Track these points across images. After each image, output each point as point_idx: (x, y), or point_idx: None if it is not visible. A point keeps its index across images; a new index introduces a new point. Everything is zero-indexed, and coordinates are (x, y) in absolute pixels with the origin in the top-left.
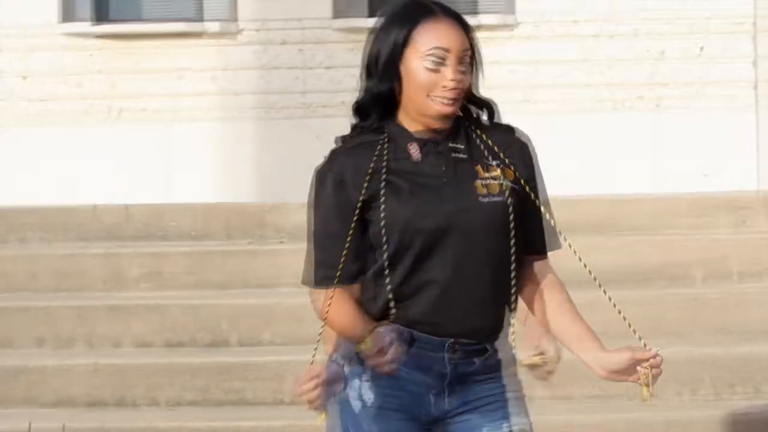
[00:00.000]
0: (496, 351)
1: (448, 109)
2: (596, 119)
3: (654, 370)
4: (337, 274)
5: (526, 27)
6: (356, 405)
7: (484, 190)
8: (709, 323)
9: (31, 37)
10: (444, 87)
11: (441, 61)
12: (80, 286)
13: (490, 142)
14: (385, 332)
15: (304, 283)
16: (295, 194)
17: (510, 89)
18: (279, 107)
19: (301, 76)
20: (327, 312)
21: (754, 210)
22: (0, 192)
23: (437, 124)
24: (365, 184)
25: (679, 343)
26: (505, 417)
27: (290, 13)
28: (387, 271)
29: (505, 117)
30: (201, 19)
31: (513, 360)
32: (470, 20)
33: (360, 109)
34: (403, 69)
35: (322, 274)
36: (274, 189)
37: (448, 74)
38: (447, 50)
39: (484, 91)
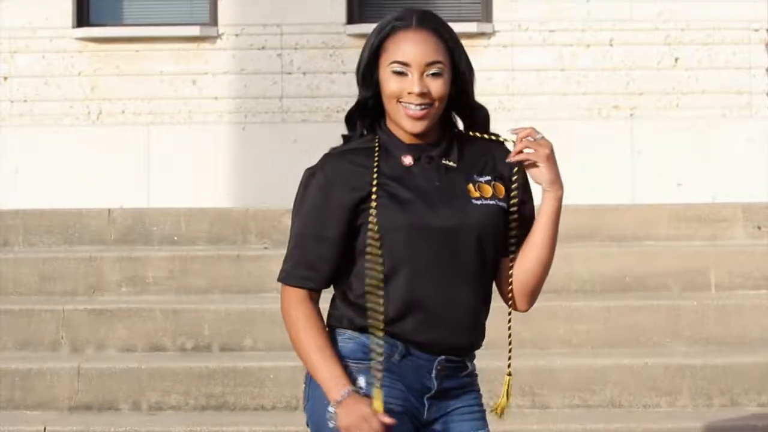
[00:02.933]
0: (473, 366)
1: (417, 113)
2: (573, 127)
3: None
4: (313, 276)
5: (503, 35)
6: None
7: (477, 193)
8: (688, 334)
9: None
10: (410, 93)
11: (403, 73)
12: (63, 290)
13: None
14: (356, 406)
15: (279, 280)
16: (272, 198)
17: (487, 96)
18: (257, 111)
19: (279, 80)
20: (296, 323)
21: (732, 221)
22: None
23: (411, 129)
24: (356, 187)
25: (657, 354)
26: (475, 429)
27: (269, 19)
28: (383, 283)
29: None
30: (181, 23)
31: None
32: None
33: (348, 118)
34: (378, 76)
35: (298, 274)
36: (253, 193)
37: (409, 85)
38: (406, 64)
39: None
